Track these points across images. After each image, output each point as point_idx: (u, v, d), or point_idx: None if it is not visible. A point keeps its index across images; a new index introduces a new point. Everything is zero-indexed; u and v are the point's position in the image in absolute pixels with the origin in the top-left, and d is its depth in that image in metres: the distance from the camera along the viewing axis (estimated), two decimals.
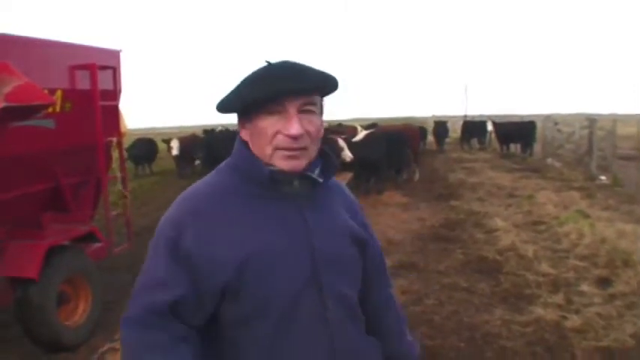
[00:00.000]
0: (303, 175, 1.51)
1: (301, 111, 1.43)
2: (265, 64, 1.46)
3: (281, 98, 1.41)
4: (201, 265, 1.41)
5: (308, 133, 1.45)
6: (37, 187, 5.29)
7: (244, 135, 1.54)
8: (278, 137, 1.43)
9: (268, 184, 1.48)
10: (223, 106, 1.50)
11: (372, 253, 1.71)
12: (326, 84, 1.49)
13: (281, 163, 1.46)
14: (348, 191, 1.76)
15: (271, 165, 1.47)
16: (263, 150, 1.47)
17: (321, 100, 1.53)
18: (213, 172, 1.60)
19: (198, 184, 1.57)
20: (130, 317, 1.43)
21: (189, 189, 1.57)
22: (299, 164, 1.47)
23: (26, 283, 4.71)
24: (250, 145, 1.52)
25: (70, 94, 5.41)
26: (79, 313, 5.36)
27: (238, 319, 1.45)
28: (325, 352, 1.48)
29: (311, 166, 1.52)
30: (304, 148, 1.46)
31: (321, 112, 1.53)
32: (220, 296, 1.44)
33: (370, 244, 1.69)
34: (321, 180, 1.55)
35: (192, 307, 1.43)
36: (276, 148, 1.45)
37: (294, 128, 1.41)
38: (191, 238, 1.43)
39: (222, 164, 1.60)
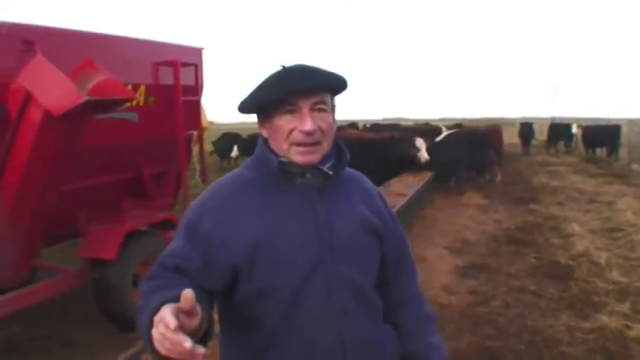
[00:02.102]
0: (314, 168, 1.60)
1: (313, 109, 1.54)
2: (280, 67, 1.58)
3: (293, 98, 1.52)
4: (216, 247, 1.55)
5: (320, 129, 1.55)
6: (119, 176, 5.64)
7: (264, 133, 1.67)
8: (294, 134, 1.54)
9: (280, 175, 1.60)
10: (242, 108, 1.64)
11: (390, 244, 1.76)
12: (334, 83, 1.60)
13: (297, 157, 1.57)
14: (369, 184, 1.83)
15: (287, 158, 1.59)
16: (280, 146, 1.58)
17: (332, 99, 1.64)
18: (241, 165, 1.75)
19: (225, 177, 1.72)
20: (145, 276, 1.59)
21: (217, 180, 1.72)
22: (313, 158, 1.57)
23: (105, 264, 5.05)
24: (269, 142, 1.64)
25: (153, 89, 5.71)
26: None
27: (251, 298, 1.58)
28: (334, 336, 1.56)
29: (324, 159, 1.62)
30: (318, 143, 1.56)
31: (333, 110, 1.64)
32: (231, 275, 1.56)
33: (387, 234, 1.74)
34: (330, 173, 1.63)
35: (200, 278, 1.54)
36: (292, 144, 1.56)
37: (308, 125, 1.52)
38: (210, 222, 1.57)
39: (248, 159, 1.74)
